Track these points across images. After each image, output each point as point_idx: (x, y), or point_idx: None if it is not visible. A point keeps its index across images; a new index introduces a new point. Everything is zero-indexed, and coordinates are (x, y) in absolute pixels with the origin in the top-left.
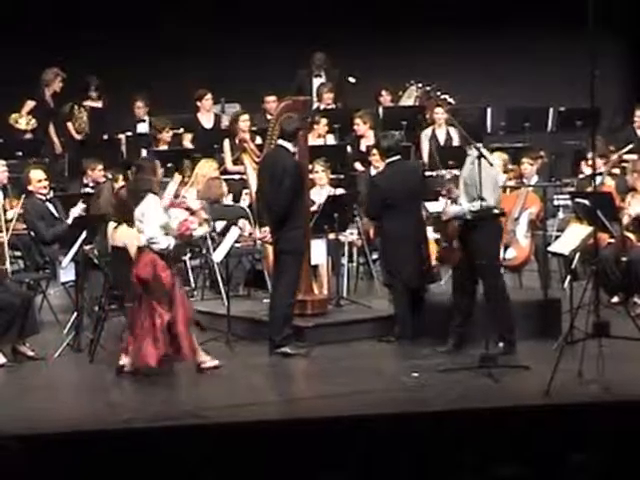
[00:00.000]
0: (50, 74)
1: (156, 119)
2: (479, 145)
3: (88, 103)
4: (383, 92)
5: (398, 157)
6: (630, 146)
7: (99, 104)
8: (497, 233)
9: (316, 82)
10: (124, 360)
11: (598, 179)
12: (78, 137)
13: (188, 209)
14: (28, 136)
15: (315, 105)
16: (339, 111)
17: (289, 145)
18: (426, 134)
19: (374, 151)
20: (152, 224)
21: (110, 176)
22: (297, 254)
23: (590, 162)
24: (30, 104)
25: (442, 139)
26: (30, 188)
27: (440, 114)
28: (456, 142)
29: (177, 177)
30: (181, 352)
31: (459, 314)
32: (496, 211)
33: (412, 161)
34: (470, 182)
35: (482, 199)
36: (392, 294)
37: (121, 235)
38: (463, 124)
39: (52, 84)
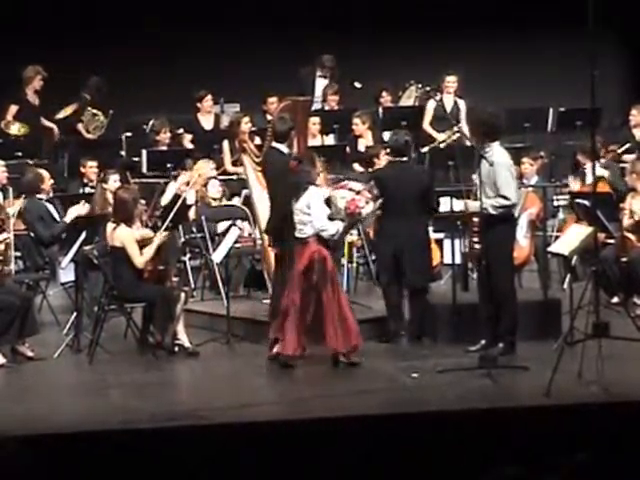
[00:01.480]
0: (31, 72)
1: (155, 120)
2: (492, 144)
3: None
4: (384, 93)
5: (401, 158)
6: (627, 145)
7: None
8: (512, 232)
9: (320, 82)
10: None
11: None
12: (90, 136)
13: (351, 190)
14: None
15: (319, 106)
16: (338, 112)
17: (282, 147)
18: (432, 104)
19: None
20: (320, 214)
21: (101, 176)
22: None
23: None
24: (13, 109)
25: (449, 107)
26: (43, 187)
27: (451, 83)
28: (463, 113)
29: (183, 177)
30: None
31: (486, 314)
32: (514, 210)
33: (419, 167)
34: (487, 180)
35: (504, 197)
36: (383, 293)
37: (119, 235)
38: (481, 122)
39: (32, 82)
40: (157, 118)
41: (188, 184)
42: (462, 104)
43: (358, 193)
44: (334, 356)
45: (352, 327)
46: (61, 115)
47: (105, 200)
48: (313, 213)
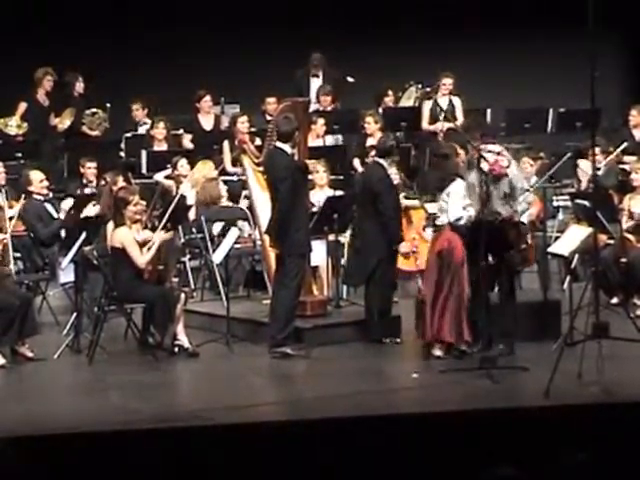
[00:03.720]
0: (40, 73)
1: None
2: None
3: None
4: (390, 92)
5: (379, 160)
6: (624, 144)
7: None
8: None
9: (314, 82)
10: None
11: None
12: (96, 133)
13: (490, 152)
14: (20, 139)
15: (314, 107)
16: (341, 112)
17: (286, 147)
18: (428, 105)
19: (372, 152)
20: (457, 205)
21: (109, 179)
22: (301, 256)
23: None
24: (23, 106)
25: (445, 106)
26: (31, 189)
27: (448, 85)
28: (459, 112)
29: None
30: (441, 332)
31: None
32: None
33: (377, 172)
34: (502, 187)
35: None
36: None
37: (118, 236)
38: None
39: (42, 83)
40: (137, 100)
41: (169, 177)
42: (457, 102)
43: (498, 154)
44: (428, 345)
45: (464, 324)
46: (63, 125)
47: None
48: (450, 203)
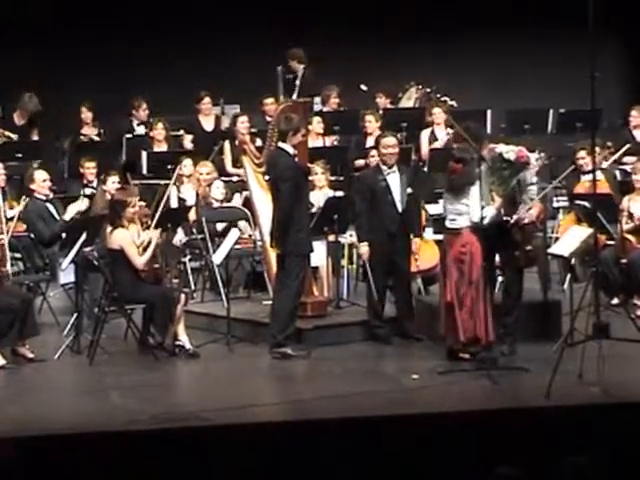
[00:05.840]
0: (28, 102)
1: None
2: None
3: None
4: (376, 95)
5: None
6: (627, 146)
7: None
8: None
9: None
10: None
11: (588, 177)
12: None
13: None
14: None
15: (318, 108)
16: (341, 112)
17: (288, 147)
18: (426, 134)
19: (372, 152)
20: (477, 208)
21: (102, 178)
22: (302, 256)
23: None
24: None
25: (441, 138)
26: (32, 187)
27: (438, 114)
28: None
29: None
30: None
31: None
32: None
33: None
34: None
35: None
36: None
37: (116, 238)
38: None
39: (25, 107)
40: (137, 99)
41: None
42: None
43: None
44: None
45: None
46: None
47: (105, 202)
48: (471, 208)
